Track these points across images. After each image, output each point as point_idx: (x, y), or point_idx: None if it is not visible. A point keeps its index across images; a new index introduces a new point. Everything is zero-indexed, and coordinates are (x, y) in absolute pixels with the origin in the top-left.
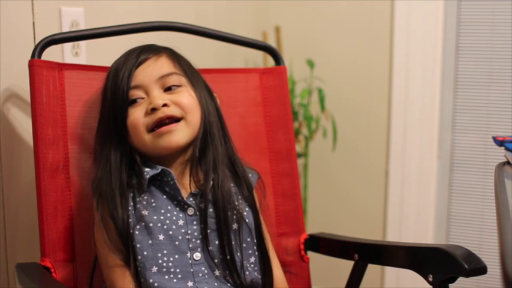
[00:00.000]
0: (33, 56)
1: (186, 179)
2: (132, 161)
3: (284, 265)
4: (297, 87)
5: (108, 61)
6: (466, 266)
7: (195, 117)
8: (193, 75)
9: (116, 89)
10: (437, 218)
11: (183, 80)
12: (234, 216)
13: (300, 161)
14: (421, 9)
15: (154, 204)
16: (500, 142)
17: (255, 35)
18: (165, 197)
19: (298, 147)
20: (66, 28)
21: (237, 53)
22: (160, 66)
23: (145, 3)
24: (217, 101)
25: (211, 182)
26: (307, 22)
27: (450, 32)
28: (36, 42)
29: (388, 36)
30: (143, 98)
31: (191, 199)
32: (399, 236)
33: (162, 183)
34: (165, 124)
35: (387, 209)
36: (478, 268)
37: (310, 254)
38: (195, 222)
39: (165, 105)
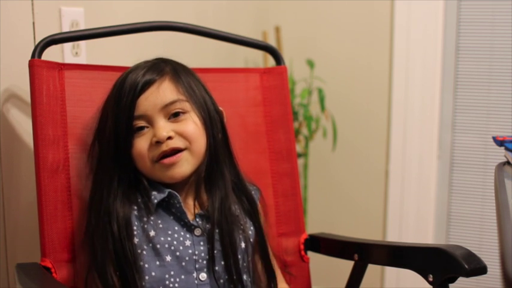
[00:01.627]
0: (33, 56)
1: (191, 200)
2: (137, 181)
3: (284, 265)
4: (297, 87)
5: (108, 61)
6: (466, 266)
7: (199, 145)
8: (197, 95)
9: (119, 118)
10: (437, 218)
11: (186, 106)
12: (241, 236)
13: (300, 161)
14: (421, 9)
15: (161, 226)
16: (500, 142)
17: (255, 35)
18: (171, 217)
19: (298, 147)
20: (66, 28)
21: (237, 53)
22: (163, 93)
23: (145, 3)
24: (224, 115)
25: (217, 205)
26: (307, 22)
27: (450, 32)
28: (36, 42)
29: (388, 36)
30: (147, 127)
31: (197, 219)
32: (399, 236)
33: (168, 204)
34: (169, 156)
35: (387, 209)
36: (478, 268)
37: (310, 254)
38: (201, 243)
39: (169, 137)
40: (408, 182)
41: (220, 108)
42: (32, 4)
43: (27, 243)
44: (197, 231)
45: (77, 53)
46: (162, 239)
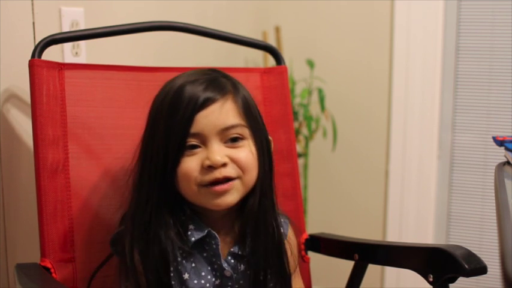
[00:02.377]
0: (33, 56)
1: (225, 236)
2: (177, 203)
3: None
4: (297, 87)
5: (108, 61)
6: (466, 266)
7: (251, 176)
8: (255, 121)
9: (172, 131)
10: (437, 218)
11: (246, 132)
12: (269, 276)
13: (300, 161)
14: (421, 9)
15: (193, 265)
16: (500, 142)
17: (255, 35)
18: (204, 254)
19: (298, 147)
20: (66, 28)
21: (237, 53)
22: (225, 115)
23: (145, 3)
24: (272, 144)
25: (260, 248)
26: (307, 22)
27: (450, 32)
28: (36, 42)
29: (388, 36)
30: (200, 147)
31: (229, 257)
32: (399, 236)
33: (202, 241)
34: (220, 183)
35: (387, 209)
36: (478, 268)
37: (310, 254)
38: (229, 283)
39: (223, 164)
40: (408, 182)
41: (270, 138)
42: (32, 4)
43: (27, 243)
44: (227, 273)
45: (77, 53)
46: (196, 282)
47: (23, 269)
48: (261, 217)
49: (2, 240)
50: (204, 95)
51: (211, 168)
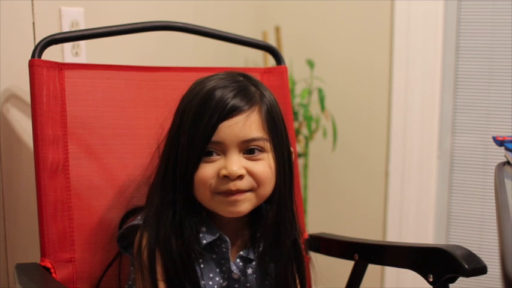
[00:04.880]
0: (33, 56)
1: (237, 237)
2: (192, 204)
3: None
4: (297, 87)
5: (108, 61)
6: (466, 266)
7: (266, 190)
8: (278, 134)
9: (195, 137)
10: (437, 218)
11: (267, 146)
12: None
13: (300, 161)
14: (421, 9)
15: (202, 266)
16: (500, 142)
17: (255, 35)
18: (214, 256)
19: (298, 147)
20: (66, 28)
21: (237, 52)
22: (249, 128)
23: (145, 3)
24: (293, 155)
25: (274, 254)
26: (307, 22)
27: (450, 32)
28: (36, 42)
29: (388, 36)
30: (218, 155)
31: (238, 260)
32: (399, 236)
33: (212, 244)
34: (233, 194)
35: (387, 209)
36: (478, 268)
37: (310, 254)
38: (237, 285)
39: (239, 176)
40: (408, 182)
41: (292, 149)
42: (32, 4)
43: (27, 243)
44: (235, 275)
45: (77, 53)
46: (204, 283)
47: (23, 269)
48: (282, 229)
49: (2, 240)
50: (231, 103)
51: (227, 178)
